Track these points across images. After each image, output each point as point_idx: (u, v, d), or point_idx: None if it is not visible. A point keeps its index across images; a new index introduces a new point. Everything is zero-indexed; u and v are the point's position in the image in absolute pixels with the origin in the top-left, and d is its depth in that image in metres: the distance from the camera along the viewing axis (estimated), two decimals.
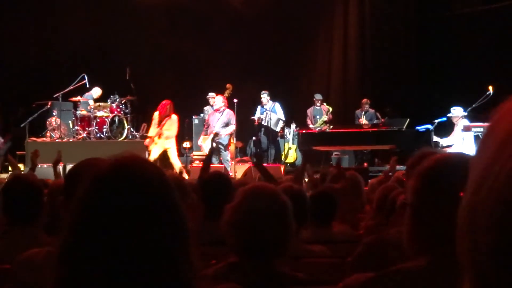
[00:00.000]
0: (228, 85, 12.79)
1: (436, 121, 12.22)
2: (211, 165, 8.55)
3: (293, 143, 14.21)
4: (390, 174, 5.41)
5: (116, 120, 12.80)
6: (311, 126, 13.56)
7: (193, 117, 14.18)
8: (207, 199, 3.62)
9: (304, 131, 13.37)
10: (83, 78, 12.88)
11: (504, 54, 13.32)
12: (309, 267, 2.75)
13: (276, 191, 2.26)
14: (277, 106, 13.69)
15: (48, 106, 12.96)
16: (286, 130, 14.33)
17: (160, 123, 11.38)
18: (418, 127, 12.37)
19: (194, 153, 13.41)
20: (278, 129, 13.74)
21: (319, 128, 13.37)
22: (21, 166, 12.15)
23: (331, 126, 13.36)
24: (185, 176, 10.21)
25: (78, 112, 12.76)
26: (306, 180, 6.27)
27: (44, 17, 14.87)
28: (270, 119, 13.52)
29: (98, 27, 14.68)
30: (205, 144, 11.97)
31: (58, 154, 5.98)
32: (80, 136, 12.55)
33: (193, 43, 15.10)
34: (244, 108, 12.92)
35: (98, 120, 12.58)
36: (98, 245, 1.10)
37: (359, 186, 4.83)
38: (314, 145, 12.84)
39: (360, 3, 16.03)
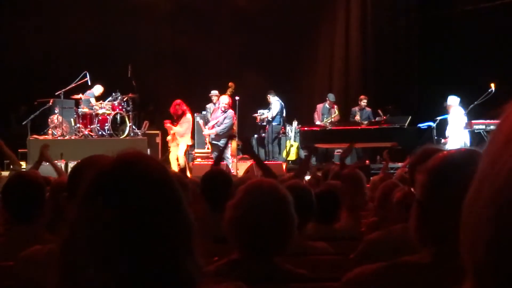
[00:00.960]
0: (230, 83, 12.79)
1: (438, 118, 12.23)
2: (211, 163, 8.59)
3: (295, 141, 14.21)
4: (388, 167, 5.39)
5: (118, 117, 12.81)
6: (317, 122, 13.64)
7: (195, 114, 14.17)
8: (208, 195, 3.63)
9: (306, 128, 13.37)
10: (85, 76, 12.88)
11: (506, 51, 13.29)
12: (311, 264, 2.75)
13: (276, 185, 2.24)
14: (274, 104, 13.72)
15: (50, 103, 12.96)
16: (288, 128, 14.34)
17: (176, 121, 11.96)
18: (419, 125, 12.38)
19: (196, 150, 13.42)
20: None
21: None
22: (23, 164, 12.19)
23: (331, 126, 13.37)
24: (188, 173, 10.24)
25: (80, 109, 12.77)
26: (307, 178, 6.27)
27: (46, 15, 14.85)
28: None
29: (100, 24, 14.69)
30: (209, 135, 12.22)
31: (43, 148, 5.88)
32: (82, 134, 12.55)
33: (196, 41, 15.10)
34: (246, 106, 12.92)
35: (100, 117, 12.58)
36: (101, 242, 1.10)
37: (361, 183, 4.83)
38: (315, 142, 12.84)
39: (362, 0, 16.02)
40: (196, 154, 13.26)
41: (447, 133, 11.88)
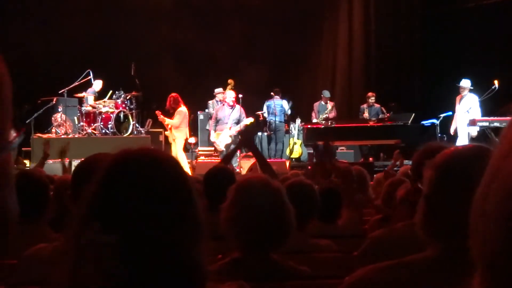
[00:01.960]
0: (229, 80, 12.78)
1: (442, 115, 12.21)
2: (214, 162, 8.55)
3: (298, 138, 14.19)
4: (397, 165, 5.37)
5: (122, 116, 12.81)
6: (314, 120, 13.62)
7: (198, 112, 14.18)
8: (209, 193, 3.63)
9: (309, 126, 13.37)
10: (88, 74, 12.90)
11: (509, 48, 13.27)
12: (315, 261, 2.75)
13: (266, 180, 2.23)
14: (283, 102, 13.69)
15: (53, 102, 12.96)
16: (291, 125, 14.33)
17: (173, 116, 11.71)
18: (423, 122, 12.36)
19: (200, 148, 13.41)
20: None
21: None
22: (27, 162, 12.21)
23: (333, 123, 13.33)
24: (189, 172, 10.23)
25: (83, 108, 12.78)
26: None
27: (49, 13, 14.87)
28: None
29: (103, 22, 14.69)
30: (219, 139, 11.82)
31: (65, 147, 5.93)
32: (85, 132, 12.56)
33: (198, 39, 15.10)
34: (248, 103, 12.91)
35: (103, 116, 12.58)
36: (118, 225, 1.11)
37: (365, 181, 4.83)
38: (319, 140, 12.83)
39: None
40: (200, 152, 13.25)
41: (453, 126, 11.76)
